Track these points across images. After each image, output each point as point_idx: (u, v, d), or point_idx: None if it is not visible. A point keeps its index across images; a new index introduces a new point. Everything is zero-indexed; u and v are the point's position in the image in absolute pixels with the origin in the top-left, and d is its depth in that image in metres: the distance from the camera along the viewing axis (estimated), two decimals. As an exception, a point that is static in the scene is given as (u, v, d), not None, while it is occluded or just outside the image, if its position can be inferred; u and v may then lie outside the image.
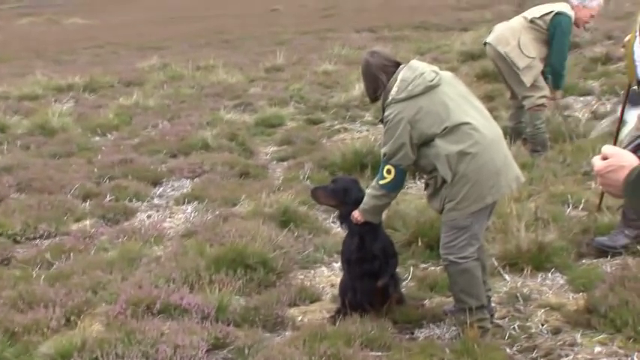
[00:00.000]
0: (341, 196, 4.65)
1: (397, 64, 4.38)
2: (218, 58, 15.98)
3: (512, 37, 7.34)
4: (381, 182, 4.32)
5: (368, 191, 4.47)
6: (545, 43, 7.36)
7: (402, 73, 4.26)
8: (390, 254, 4.68)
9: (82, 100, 12.88)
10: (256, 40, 20.81)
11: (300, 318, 4.85)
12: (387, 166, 4.26)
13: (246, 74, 14.14)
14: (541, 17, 7.32)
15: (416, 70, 4.25)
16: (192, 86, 13.26)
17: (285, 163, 8.48)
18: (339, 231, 6.07)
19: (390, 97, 4.23)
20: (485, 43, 7.75)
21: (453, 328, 4.54)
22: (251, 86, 12.99)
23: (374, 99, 4.50)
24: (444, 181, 4.14)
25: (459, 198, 4.13)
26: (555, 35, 7.28)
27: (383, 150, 4.29)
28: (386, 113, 4.25)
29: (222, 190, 7.30)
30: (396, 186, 4.35)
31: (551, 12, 7.29)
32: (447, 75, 4.36)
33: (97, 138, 10.14)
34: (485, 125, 4.23)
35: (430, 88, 4.17)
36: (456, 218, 4.18)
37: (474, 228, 4.21)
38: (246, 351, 4.34)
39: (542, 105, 7.52)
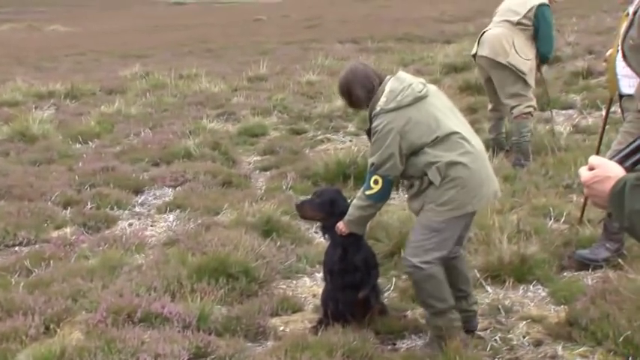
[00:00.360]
0: (328, 208, 4.63)
1: (382, 76, 4.39)
2: (201, 67, 15.95)
3: (508, 44, 7.44)
4: (368, 192, 4.30)
5: (354, 202, 4.44)
6: (534, 39, 7.55)
7: (390, 84, 4.26)
8: (372, 265, 4.68)
9: (63, 108, 12.81)
10: (239, 50, 20.82)
11: (282, 328, 4.83)
12: (375, 177, 4.24)
13: (229, 83, 14.12)
14: (525, 16, 7.45)
15: (404, 81, 4.26)
16: (175, 95, 13.22)
17: (267, 173, 8.47)
18: (321, 241, 6.06)
19: (379, 108, 4.21)
20: (474, 56, 7.81)
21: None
22: (234, 95, 12.96)
23: (365, 104, 4.39)
24: (430, 183, 4.15)
25: (441, 200, 4.13)
26: (540, 26, 7.47)
27: (371, 160, 4.27)
28: (374, 124, 4.24)
29: (205, 199, 7.28)
30: (382, 196, 4.33)
31: (532, 7, 7.47)
32: (432, 87, 4.38)
33: (78, 145, 10.07)
34: (472, 136, 4.28)
35: (419, 99, 4.18)
36: (432, 219, 4.17)
37: (446, 234, 4.20)
38: (228, 361, 4.32)
39: (530, 114, 7.63)
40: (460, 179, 4.11)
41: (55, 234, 6.68)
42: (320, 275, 5.45)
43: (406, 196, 4.53)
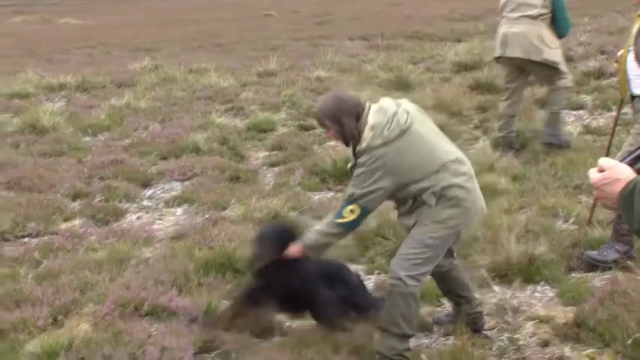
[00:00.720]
0: (281, 243, 4.39)
1: (363, 104, 4.19)
2: (210, 61, 15.93)
3: (538, 41, 7.55)
4: (339, 221, 4.12)
5: (319, 229, 4.26)
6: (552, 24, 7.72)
7: (374, 117, 4.07)
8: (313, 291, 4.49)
9: (73, 100, 12.81)
10: (249, 45, 20.80)
11: (287, 324, 4.83)
12: (352, 206, 4.08)
13: (238, 78, 14.10)
14: (542, 6, 7.54)
15: (387, 111, 4.08)
16: (184, 89, 13.21)
17: (275, 169, 8.46)
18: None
19: (365, 144, 4.02)
20: (498, 58, 7.90)
21: (442, 338, 4.54)
22: (243, 91, 12.94)
23: (354, 135, 4.13)
24: (424, 202, 4.07)
25: (438, 218, 4.06)
26: (556, 12, 7.60)
27: (350, 190, 4.08)
28: (362, 160, 4.05)
29: (213, 194, 7.28)
30: (354, 226, 4.19)
31: None
32: (414, 111, 4.18)
33: (88, 138, 10.09)
34: (461, 154, 4.22)
35: (405, 131, 4.02)
36: (426, 235, 4.08)
37: (437, 250, 4.13)
38: (233, 355, 4.33)
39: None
40: (456, 199, 4.04)
41: (63, 226, 6.70)
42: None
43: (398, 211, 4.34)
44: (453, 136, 8.88)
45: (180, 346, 4.24)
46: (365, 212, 4.11)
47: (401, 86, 11.76)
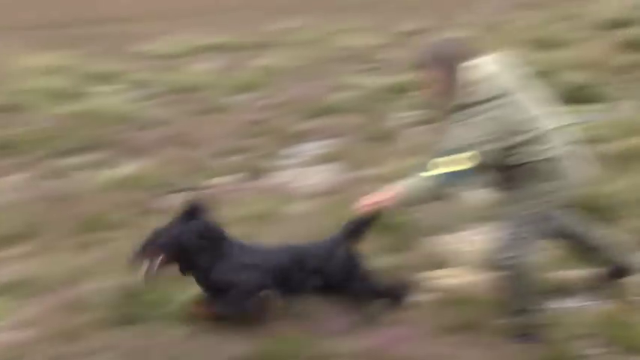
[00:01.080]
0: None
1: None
2: (353, 21, 15.96)
3: None
4: (454, 168, 3.84)
5: (430, 174, 3.93)
6: None
7: (476, 73, 3.86)
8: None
9: (221, 60, 13.18)
10: (391, 4, 20.65)
11: (428, 282, 4.84)
12: (470, 154, 3.78)
13: (380, 38, 14.07)
14: None
15: (489, 69, 3.88)
16: (328, 49, 13.33)
17: (418, 128, 8.42)
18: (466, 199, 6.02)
19: (466, 99, 3.83)
20: None
21: (593, 302, 4.43)
22: (386, 50, 12.91)
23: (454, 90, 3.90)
24: (518, 179, 3.92)
25: (530, 194, 3.90)
26: None
27: (465, 139, 3.80)
28: (462, 112, 3.85)
29: (356, 153, 7.38)
30: (461, 177, 3.87)
31: None
32: (513, 72, 3.96)
33: (236, 97, 10.38)
34: (557, 120, 3.99)
35: (504, 94, 3.82)
36: (519, 212, 3.93)
37: (534, 227, 3.94)
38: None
39: None
40: (551, 173, 3.86)
41: (213, 182, 6.96)
42: (465, 233, 5.47)
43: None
44: (598, 97, 8.60)
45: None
46: (475, 169, 3.85)
47: (545, 45, 11.39)
